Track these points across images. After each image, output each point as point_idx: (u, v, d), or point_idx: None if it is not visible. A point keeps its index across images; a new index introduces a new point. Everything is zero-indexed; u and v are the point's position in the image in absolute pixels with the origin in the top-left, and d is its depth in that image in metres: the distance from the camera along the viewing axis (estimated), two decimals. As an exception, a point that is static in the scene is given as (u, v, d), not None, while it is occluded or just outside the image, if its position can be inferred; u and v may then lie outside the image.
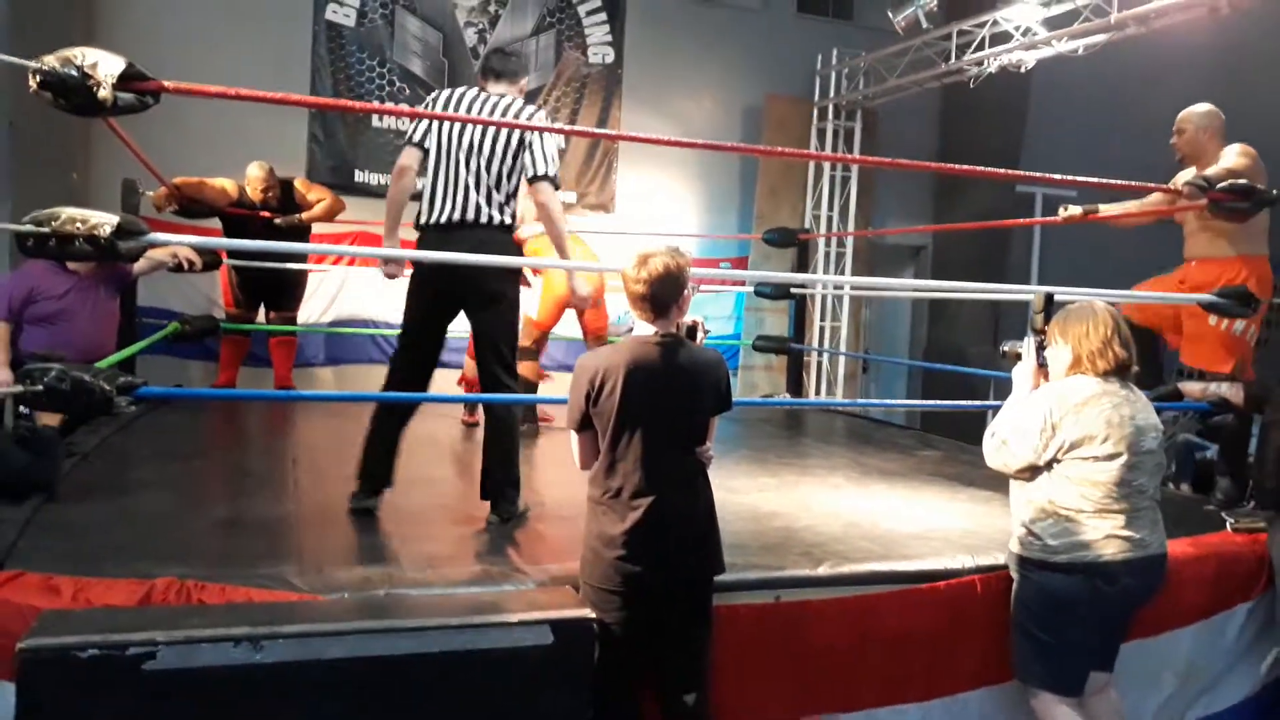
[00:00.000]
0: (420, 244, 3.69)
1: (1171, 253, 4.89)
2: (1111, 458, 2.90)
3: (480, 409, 4.77)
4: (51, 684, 2.14)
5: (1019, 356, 3.28)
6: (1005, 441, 3.04)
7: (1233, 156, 4.35)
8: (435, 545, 3.23)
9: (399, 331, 3.81)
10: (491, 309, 3.62)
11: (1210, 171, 4.23)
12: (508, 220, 3.66)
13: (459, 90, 3.73)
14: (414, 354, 3.72)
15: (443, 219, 3.61)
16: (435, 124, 3.65)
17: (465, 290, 3.61)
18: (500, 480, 3.58)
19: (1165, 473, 5.37)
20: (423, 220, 3.68)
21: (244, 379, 6.96)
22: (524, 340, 5.03)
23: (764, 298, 8.19)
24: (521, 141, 3.63)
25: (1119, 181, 4.59)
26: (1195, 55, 8.39)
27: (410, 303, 3.71)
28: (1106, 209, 4.98)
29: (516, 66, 3.90)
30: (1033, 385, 3.19)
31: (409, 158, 3.68)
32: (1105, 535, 2.91)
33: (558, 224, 3.75)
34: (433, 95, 3.77)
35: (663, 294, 2.62)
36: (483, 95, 3.71)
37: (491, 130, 3.60)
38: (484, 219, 3.59)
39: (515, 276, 3.86)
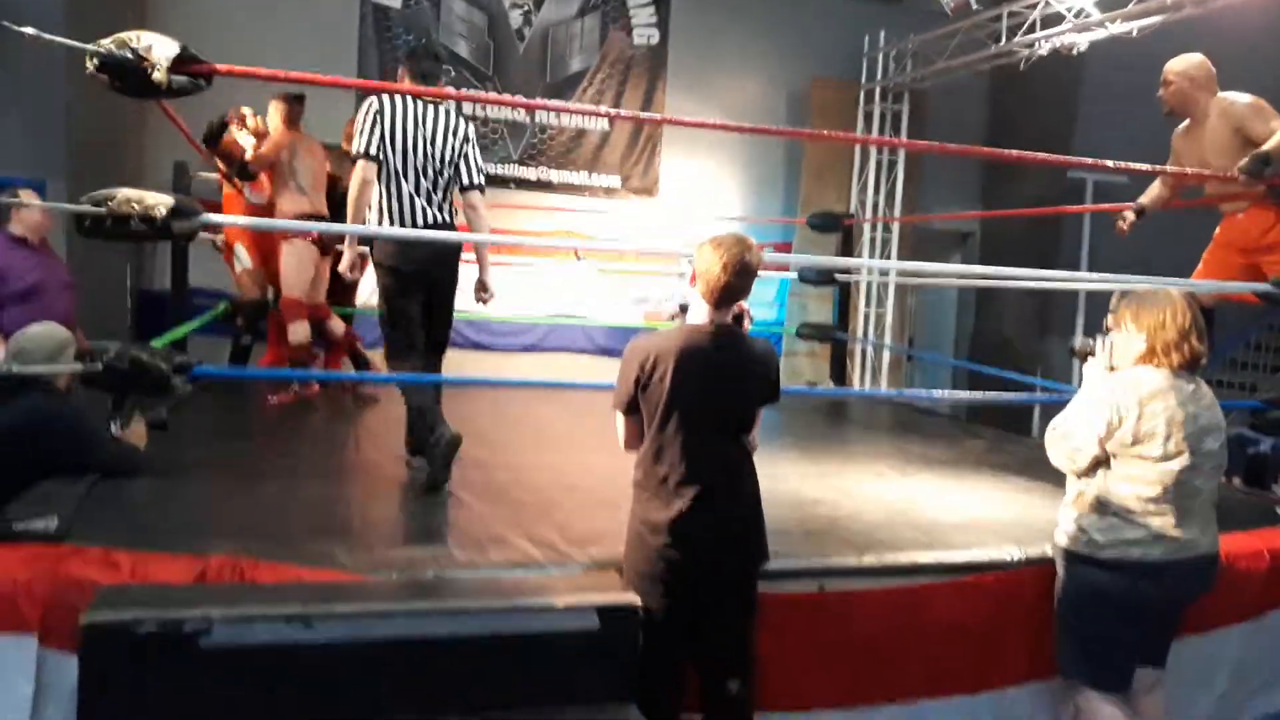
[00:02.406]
0: (397, 245, 3.95)
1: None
2: (1171, 458, 2.81)
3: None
4: (112, 657, 2.20)
5: (1090, 354, 3.13)
6: (1067, 434, 2.93)
7: (1264, 123, 4.21)
8: (481, 527, 3.25)
9: (394, 321, 4.07)
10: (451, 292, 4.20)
11: (1269, 147, 4.11)
12: (449, 220, 4.08)
13: (409, 101, 3.93)
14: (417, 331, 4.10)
15: (417, 225, 3.92)
16: (388, 135, 3.87)
17: (437, 279, 4.08)
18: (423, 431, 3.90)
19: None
20: (389, 224, 3.94)
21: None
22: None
23: (808, 283, 8.14)
24: (464, 155, 4.00)
25: (1172, 168, 4.50)
26: (1255, 36, 8.17)
27: (398, 293, 4.02)
28: (1147, 202, 4.87)
29: (440, 71, 4.25)
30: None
31: (369, 171, 3.89)
32: (1154, 535, 2.83)
33: (486, 230, 4.25)
34: (379, 108, 3.89)
35: (738, 285, 2.62)
36: (432, 106, 3.97)
37: (439, 142, 3.94)
38: (437, 221, 3.98)
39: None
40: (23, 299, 4.61)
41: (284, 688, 2.32)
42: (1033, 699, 3.19)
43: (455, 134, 4.01)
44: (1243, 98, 4.36)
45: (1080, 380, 3.18)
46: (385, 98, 3.94)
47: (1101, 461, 2.90)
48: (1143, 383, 2.85)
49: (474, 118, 8.61)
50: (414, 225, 3.94)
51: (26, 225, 4.72)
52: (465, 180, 4.07)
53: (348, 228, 4.21)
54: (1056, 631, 3.05)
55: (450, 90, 8.24)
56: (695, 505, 2.59)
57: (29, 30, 2.73)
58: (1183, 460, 2.82)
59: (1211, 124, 4.41)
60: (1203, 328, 2.90)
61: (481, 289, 4.34)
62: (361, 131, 3.89)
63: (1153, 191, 4.84)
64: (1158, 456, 2.81)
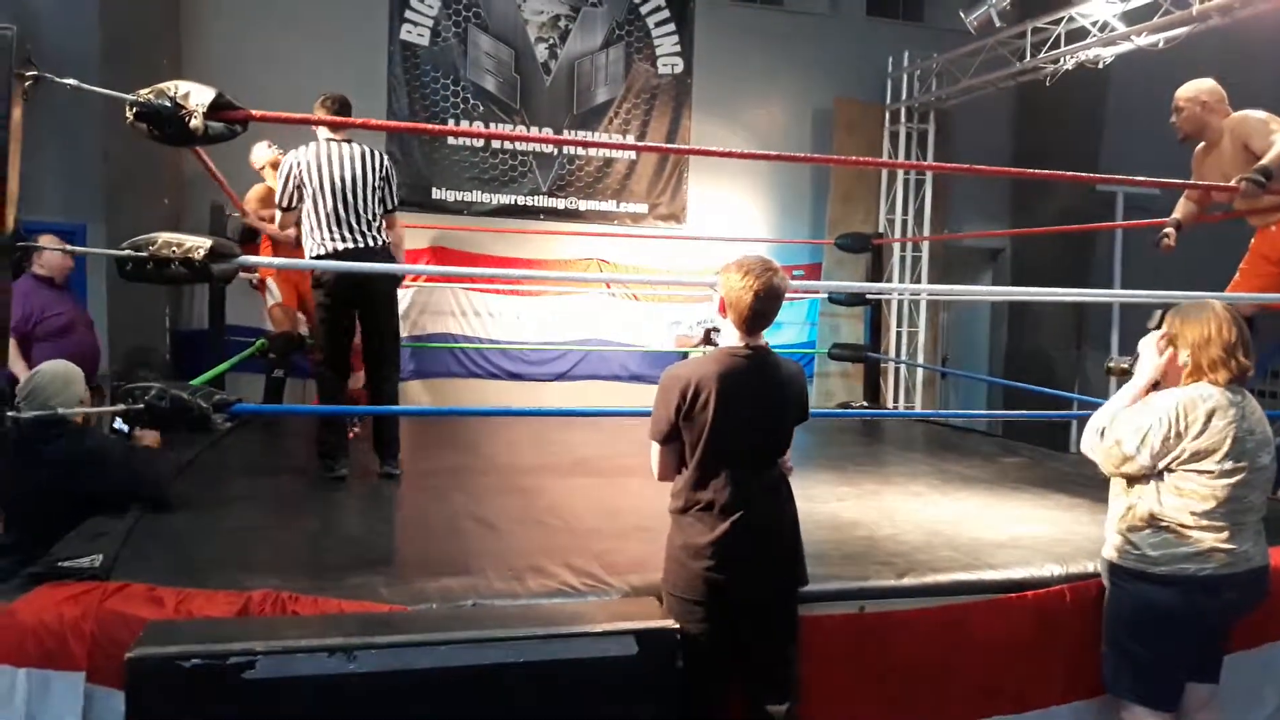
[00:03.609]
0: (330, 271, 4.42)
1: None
2: (1230, 474, 2.78)
3: (360, 423, 5.62)
4: (158, 692, 2.23)
5: (1124, 371, 3.07)
6: (1119, 442, 2.87)
7: (1266, 135, 4.22)
8: (519, 555, 3.27)
9: (327, 340, 4.56)
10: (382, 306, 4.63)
11: (1267, 161, 4.11)
12: (383, 241, 4.50)
13: (334, 146, 4.42)
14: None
15: (341, 248, 4.36)
16: (308, 178, 4.36)
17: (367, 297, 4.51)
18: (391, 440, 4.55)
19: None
20: (326, 250, 4.37)
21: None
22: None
23: (838, 304, 8.13)
24: (386, 182, 4.50)
25: (1201, 182, 4.47)
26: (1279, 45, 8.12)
27: (328, 315, 4.52)
28: (1181, 217, 4.84)
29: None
30: (1147, 388, 2.97)
31: (291, 220, 4.55)
32: (1208, 548, 2.80)
33: (402, 244, 5.08)
34: (302, 157, 4.40)
35: (767, 308, 2.64)
36: (349, 146, 4.46)
37: (361, 175, 4.41)
38: (369, 244, 4.41)
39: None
40: (56, 336, 4.76)
41: (326, 719, 2.34)
42: (1077, 717, 3.14)
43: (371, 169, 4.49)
44: (1252, 114, 4.38)
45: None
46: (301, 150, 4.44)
47: (1149, 474, 2.86)
48: (1203, 399, 2.81)
49: (502, 150, 8.71)
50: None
51: (50, 267, 4.87)
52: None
53: (378, 266, 4.31)
54: (1104, 648, 3.01)
55: (479, 128, 8.38)
56: (737, 528, 2.59)
57: (70, 82, 2.81)
58: (1240, 476, 2.79)
59: (1225, 144, 4.45)
60: (1249, 341, 2.87)
61: None
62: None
63: (1182, 208, 4.84)
64: (1217, 473, 2.78)
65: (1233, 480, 2.78)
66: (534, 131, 8.81)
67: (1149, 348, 3.01)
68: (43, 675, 2.46)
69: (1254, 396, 2.95)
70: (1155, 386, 2.98)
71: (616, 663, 2.49)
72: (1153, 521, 2.86)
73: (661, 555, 2.75)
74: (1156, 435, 2.80)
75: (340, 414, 4.70)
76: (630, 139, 9.02)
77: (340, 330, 4.54)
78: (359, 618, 2.60)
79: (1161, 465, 2.82)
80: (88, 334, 4.99)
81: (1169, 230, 4.70)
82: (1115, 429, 2.91)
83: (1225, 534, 2.81)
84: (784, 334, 8.89)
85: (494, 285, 8.41)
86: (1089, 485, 3.14)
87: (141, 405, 3.03)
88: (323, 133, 4.46)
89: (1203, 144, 4.59)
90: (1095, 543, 3.11)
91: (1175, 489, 2.82)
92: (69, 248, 4.70)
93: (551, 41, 8.93)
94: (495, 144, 8.70)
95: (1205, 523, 2.80)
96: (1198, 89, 4.53)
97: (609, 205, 9.09)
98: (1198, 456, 2.78)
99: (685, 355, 7.18)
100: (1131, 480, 2.92)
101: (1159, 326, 3.06)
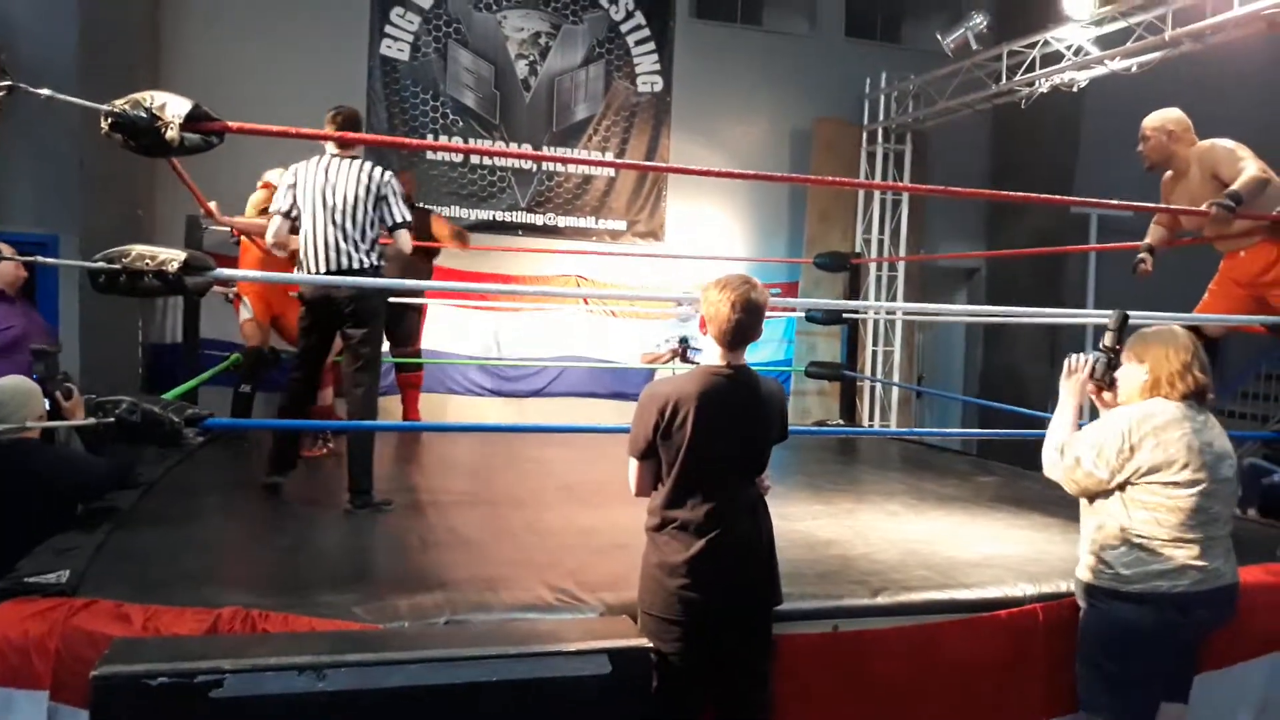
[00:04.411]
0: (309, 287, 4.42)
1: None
2: (1190, 484, 2.83)
3: (334, 441, 5.52)
4: (123, 711, 2.19)
5: (1104, 386, 3.16)
6: (1079, 459, 2.93)
7: (1235, 163, 4.26)
8: (492, 570, 3.25)
9: (300, 354, 4.54)
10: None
11: (1236, 186, 4.17)
12: (374, 262, 4.38)
13: (334, 162, 4.33)
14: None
15: (324, 270, 4.30)
16: (300, 193, 4.31)
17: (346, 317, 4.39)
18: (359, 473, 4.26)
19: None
20: (311, 271, 4.34)
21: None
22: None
23: (815, 323, 8.16)
24: (380, 197, 4.34)
25: (1173, 206, 4.52)
26: (1252, 72, 8.25)
27: (303, 331, 4.52)
28: (1154, 242, 4.90)
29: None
30: (1079, 400, 3.12)
31: (284, 229, 4.42)
32: (1181, 565, 2.83)
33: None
34: (302, 171, 4.37)
35: (748, 326, 2.64)
36: (349, 164, 4.34)
37: (353, 191, 4.28)
38: (354, 265, 4.30)
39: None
40: (7, 350, 4.65)
41: (296, 739, 2.31)
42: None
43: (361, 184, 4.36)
44: (1219, 144, 4.41)
45: (1091, 414, 3.19)
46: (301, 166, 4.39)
47: (1109, 491, 2.91)
48: (1156, 413, 2.88)
49: (481, 166, 8.71)
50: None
51: (1, 278, 4.76)
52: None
53: (363, 281, 4.27)
54: (1078, 667, 3.02)
55: (458, 144, 8.38)
56: (714, 547, 2.58)
57: (45, 92, 2.79)
58: (1202, 487, 2.83)
59: (1193, 173, 4.48)
60: (1205, 361, 2.96)
61: None
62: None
63: (1153, 234, 4.89)
64: (1177, 483, 2.82)
65: (1194, 491, 2.83)
66: (513, 148, 8.82)
67: (1069, 388, 3.13)
68: (5, 694, 2.42)
69: (1225, 416, 3.01)
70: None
71: (590, 682, 2.47)
72: (1124, 539, 2.88)
73: (637, 573, 2.74)
74: (1111, 449, 2.86)
75: (300, 428, 4.67)
76: (609, 156, 9.05)
77: (311, 347, 4.49)
78: (329, 636, 2.57)
79: (1120, 479, 2.87)
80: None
81: (1144, 255, 4.76)
82: (1074, 447, 2.97)
83: (1196, 549, 2.84)
84: (761, 352, 8.91)
85: (472, 301, 8.38)
86: (1062, 505, 3.17)
87: (112, 419, 3.00)
88: (329, 148, 4.37)
89: (1170, 173, 4.63)
90: (1068, 562, 3.13)
91: (1140, 503, 2.86)
92: (26, 259, 4.60)
93: (532, 58, 8.95)
94: (474, 159, 8.70)
95: (1175, 536, 2.83)
96: (1164, 119, 4.57)
97: (588, 222, 9.11)
98: (1156, 469, 2.83)
99: (654, 374, 7.17)
100: (1095, 498, 2.96)
101: (1118, 328, 3.15)
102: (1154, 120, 4.60)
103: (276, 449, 4.53)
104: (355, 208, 4.27)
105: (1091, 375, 3.13)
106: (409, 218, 4.46)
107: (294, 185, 4.34)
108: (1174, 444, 2.83)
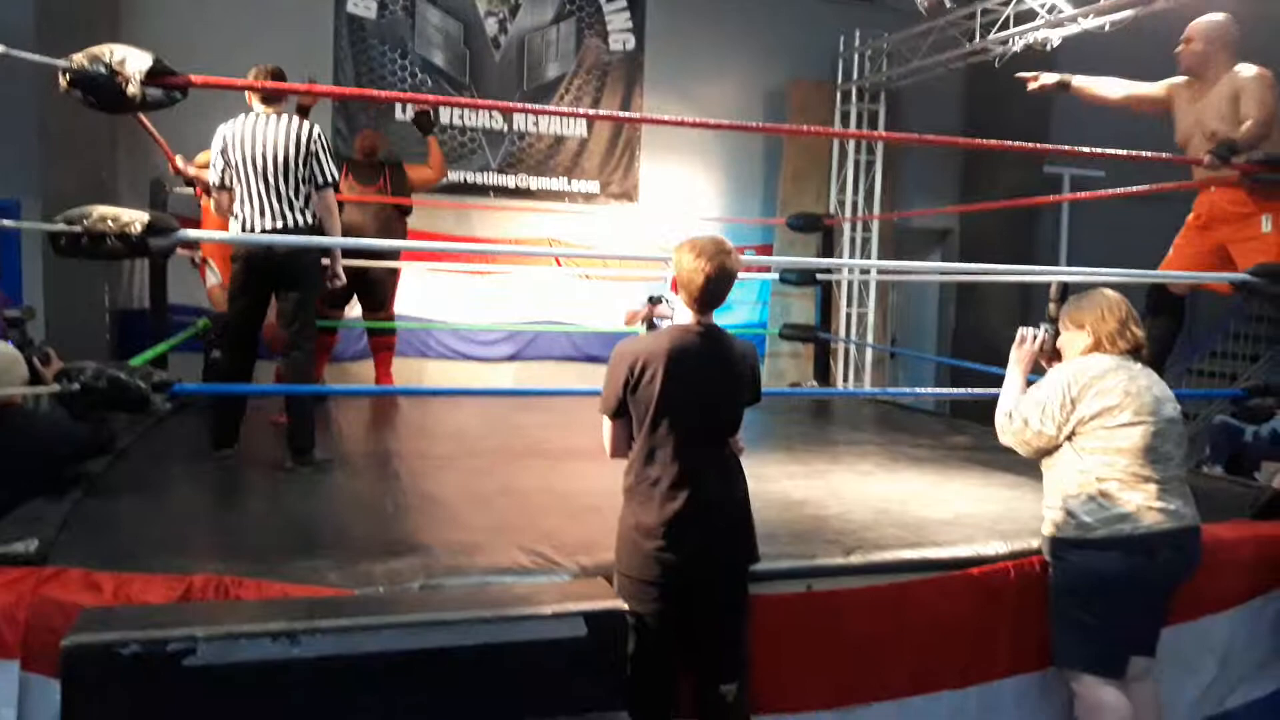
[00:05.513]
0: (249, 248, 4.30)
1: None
2: (1135, 424, 2.94)
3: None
4: (95, 680, 2.18)
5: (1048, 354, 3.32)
6: (1026, 420, 3.08)
7: (1254, 104, 4.18)
8: (466, 535, 3.24)
9: (232, 317, 4.46)
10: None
11: (1239, 135, 4.13)
12: (309, 221, 4.32)
13: (261, 120, 4.26)
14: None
15: (261, 227, 4.26)
16: (232, 153, 4.24)
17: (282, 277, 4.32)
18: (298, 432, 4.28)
19: (1199, 455, 5.30)
20: (245, 229, 4.30)
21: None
22: None
23: (789, 284, 8.16)
24: (314, 157, 4.29)
25: (1148, 153, 4.50)
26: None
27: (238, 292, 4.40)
28: (1079, 82, 4.80)
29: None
30: (1026, 369, 3.30)
31: (224, 200, 4.39)
32: (1140, 507, 2.92)
33: (336, 220, 4.48)
34: (229, 131, 4.28)
35: (719, 289, 2.65)
36: (277, 120, 4.27)
37: (283, 148, 4.22)
38: (289, 224, 4.26)
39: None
40: None
41: (271, 706, 2.30)
42: (1019, 691, 3.20)
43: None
44: (1259, 74, 4.27)
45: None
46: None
47: (1060, 445, 3.03)
48: (1092, 365, 3.04)
49: (451, 126, 8.59)
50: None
51: None
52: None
53: (326, 240, 4.22)
54: (1051, 621, 3.08)
55: (429, 96, 8.25)
56: (688, 507, 2.59)
57: (0, 49, 2.71)
58: (1147, 426, 2.95)
59: (1219, 88, 4.35)
60: (1138, 317, 3.12)
61: (333, 276, 4.69)
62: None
63: (1111, 92, 4.76)
64: (1123, 424, 2.94)
65: (1140, 430, 2.94)
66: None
67: (1016, 357, 3.35)
68: (-25, 664, 2.39)
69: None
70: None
71: (565, 644, 2.48)
72: (1083, 488, 2.97)
73: (612, 536, 2.74)
74: (1055, 404, 3.01)
75: (249, 393, 4.64)
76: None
77: (243, 309, 4.39)
78: (303, 602, 2.55)
79: (1067, 431, 3.00)
80: None
81: (1048, 77, 4.71)
82: (1020, 409, 3.12)
83: (1153, 489, 2.94)
84: (735, 314, 8.90)
85: (443, 264, 8.29)
86: (1032, 464, 3.21)
87: (78, 386, 2.96)
88: (256, 105, 4.31)
89: (1191, 80, 4.45)
90: (1038, 520, 3.17)
91: (1089, 450, 2.98)
92: (19, 223, 4.52)
93: (501, 16, 8.81)
94: (444, 120, 8.56)
95: (1129, 475, 2.93)
96: (1223, 31, 4.36)
97: (560, 183, 9.01)
98: (1098, 415, 2.96)
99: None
100: (1048, 453, 3.08)
101: (1060, 299, 3.30)
102: (1209, 30, 4.41)
103: (217, 422, 4.45)
104: (287, 165, 4.23)
105: (1041, 348, 3.31)
106: (336, 177, 4.43)
107: (224, 150, 4.27)
108: (1113, 390, 2.97)
